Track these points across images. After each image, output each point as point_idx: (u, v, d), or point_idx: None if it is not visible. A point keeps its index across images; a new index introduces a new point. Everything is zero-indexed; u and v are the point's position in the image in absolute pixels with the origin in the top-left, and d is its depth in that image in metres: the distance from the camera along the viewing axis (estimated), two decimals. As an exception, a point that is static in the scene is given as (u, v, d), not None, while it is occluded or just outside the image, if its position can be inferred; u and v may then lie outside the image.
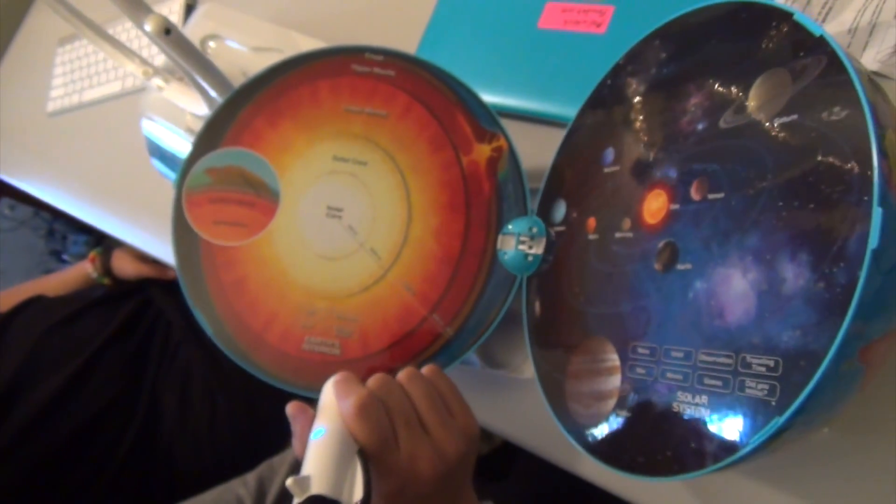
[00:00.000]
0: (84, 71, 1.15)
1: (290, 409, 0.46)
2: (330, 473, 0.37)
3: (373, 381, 0.45)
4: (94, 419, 0.91)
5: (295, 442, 0.45)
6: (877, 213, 0.32)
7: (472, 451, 0.46)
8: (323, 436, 0.40)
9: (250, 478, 0.72)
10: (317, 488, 0.36)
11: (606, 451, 0.45)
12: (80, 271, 1.16)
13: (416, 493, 0.43)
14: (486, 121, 0.59)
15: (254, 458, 0.77)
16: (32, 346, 0.92)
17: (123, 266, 1.13)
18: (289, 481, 0.36)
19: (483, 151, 0.58)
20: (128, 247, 1.14)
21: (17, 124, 1.25)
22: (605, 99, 0.54)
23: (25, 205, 1.99)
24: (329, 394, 0.45)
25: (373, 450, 0.41)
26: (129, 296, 1.08)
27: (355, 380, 0.45)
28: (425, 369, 0.48)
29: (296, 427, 0.45)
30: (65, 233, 2.12)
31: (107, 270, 1.14)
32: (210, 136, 0.60)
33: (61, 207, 1.09)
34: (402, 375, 0.47)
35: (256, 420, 0.98)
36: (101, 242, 1.82)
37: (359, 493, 0.38)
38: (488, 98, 0.61)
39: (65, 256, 2.12)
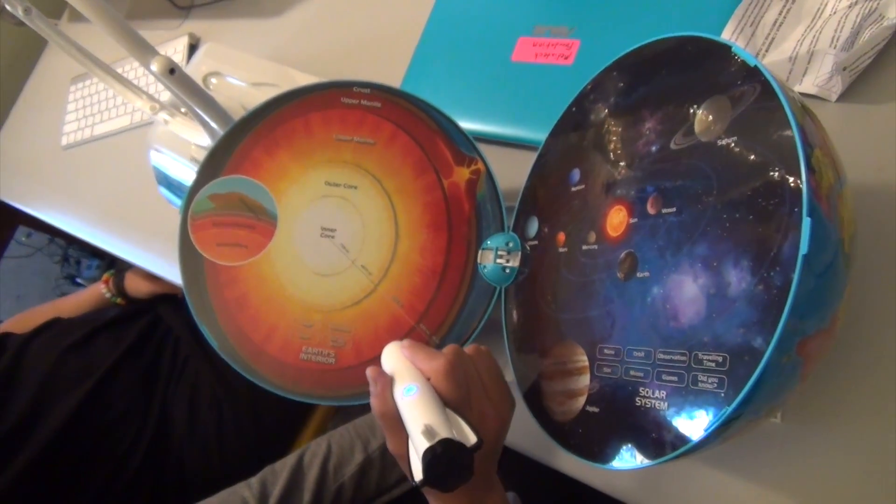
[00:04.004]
0: (95, 107, 1.16)
1: (371, 371, 0.49)
2: (442, 422, 0.41)
3: (449, 349, 0.48)
4: (110, 431, 0.91)
5: (374, 400, 0.47)
6: (806, 222, 0.34)
7: (511, 421, 0.50)
8: (416, 393, 0.44)
9: (254, 481, 0.73)
10: (443, 434, 0.39)
11: (578, 444, 0.46)
12: (95, 292, 1.17)
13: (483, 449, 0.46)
14: (465, 146, 0.61)
15: (257, 463, 0.78)
16: (51, 366, 0.93)
17: (136, 285, 1.14)
18: (421, 428, 0.40)
19: (463, 174, 0.60)
20: (138, 268, 1.15)
21: (34, 157, 1.26)
22: (571, 124, 0.56)
23: (41, 232, 2.00)
24: (399, 358, 0.49)
25: (455, 405, 0.44)
26: (140, 315, 1.09)
27: (427, 346, 0.49)
28: (483, 348, 0.51)
29: (376, 387, 0.47)
30: (79, 258, 2.13)
31: (120, 291, 1.15)
32: (212, 166, 0.62)
33: (76, 234, 1.10)
34: (469, 349, 0.50)
35: (260, 428, 0.99)
36: (113, 266, 1.83)
37: (471, 437, 0.41)
38: (467, 125, 0.63)
39: (79, 280, 2.13)
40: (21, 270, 2.10)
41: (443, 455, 0.38)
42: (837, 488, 0.48)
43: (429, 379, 0.46)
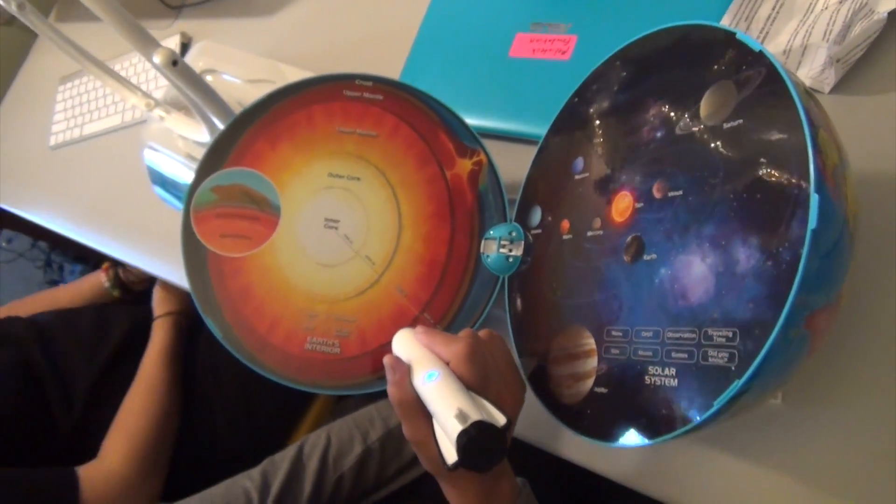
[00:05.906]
0: (84, 107, 1.16)
1: (389, 359, 0.49)
2: (471, 405, 0.41)
3: (465, 333, 0.49)
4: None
5: (392, 388, 0.47)
6: (814, 198, 0.35)
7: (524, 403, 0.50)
8: (438, 378, 0.44)
9: (255, 472, 0.73)
10: (475, 416, 0.40)
11: (587, 425, 0.47)
12: (94, 282, 1.17)
13: None
14: (467, 138, 0.61)
15: (256, 457, 0.77)
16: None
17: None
18: (454, 412, 0.40)
19: (465, 166, 0.61)
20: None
21: (21, 158, 1.25)
22: (574, 114, 0.57)
23: (24, 235, 1.98)
24: (415, 345, 0.49)
25: (476, 388, 0.45)
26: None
27: (442, 331, 0.50)
28: (495, 333, 0.52)
29: (394, 375, 0.47)
30: (62, 263, 2.10)
31: (119, 282, 1.15)
32: (215, 158, 0.62)
33: (66, 234, 1.09)
34: (483, 333, 0.50)
35: (255, 426, 0.98)
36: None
37: (500, 417, 0.42)
38: (467, 121, 0.63)
39: (62, 286, 2.10)
40: (2, 276, 2.07)
41: (477, 437, 0.39)
42: (839, 467, 0.48)
43: (447, 363, 0.46)
